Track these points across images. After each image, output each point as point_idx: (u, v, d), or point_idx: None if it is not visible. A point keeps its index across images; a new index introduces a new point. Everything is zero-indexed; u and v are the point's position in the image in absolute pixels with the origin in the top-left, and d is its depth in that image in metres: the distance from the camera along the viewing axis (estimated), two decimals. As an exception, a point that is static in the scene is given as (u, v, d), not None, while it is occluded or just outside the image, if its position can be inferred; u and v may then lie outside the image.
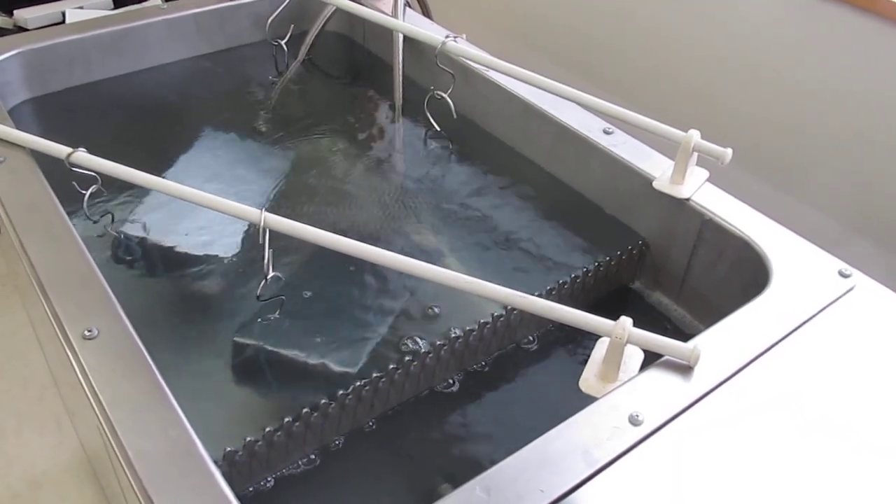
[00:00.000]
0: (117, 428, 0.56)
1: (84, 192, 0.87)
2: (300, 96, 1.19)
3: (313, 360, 0.73)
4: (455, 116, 1.06)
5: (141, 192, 0.92)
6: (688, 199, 0.83)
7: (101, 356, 0.61)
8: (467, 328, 0.76)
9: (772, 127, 1.58)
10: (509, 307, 0.78)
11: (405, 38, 1.13)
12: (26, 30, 1.60)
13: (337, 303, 0.80)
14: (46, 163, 0.84)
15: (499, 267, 0.87)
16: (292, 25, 1.25)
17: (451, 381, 0.78)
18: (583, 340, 0.82)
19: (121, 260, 0.85)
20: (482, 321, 0.77)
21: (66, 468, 1.43)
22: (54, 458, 1.45)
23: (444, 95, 1.06)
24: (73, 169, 0.83)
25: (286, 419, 0.66)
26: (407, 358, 0.73)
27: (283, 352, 0.73)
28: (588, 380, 0.64)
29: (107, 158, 0.83)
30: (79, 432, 1.38)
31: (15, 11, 1.66)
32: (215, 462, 0.55)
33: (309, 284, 0.81)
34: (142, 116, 1.11)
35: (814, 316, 0.69)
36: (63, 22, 1.63)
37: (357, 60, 1.33)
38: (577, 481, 0.54)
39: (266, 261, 0.76)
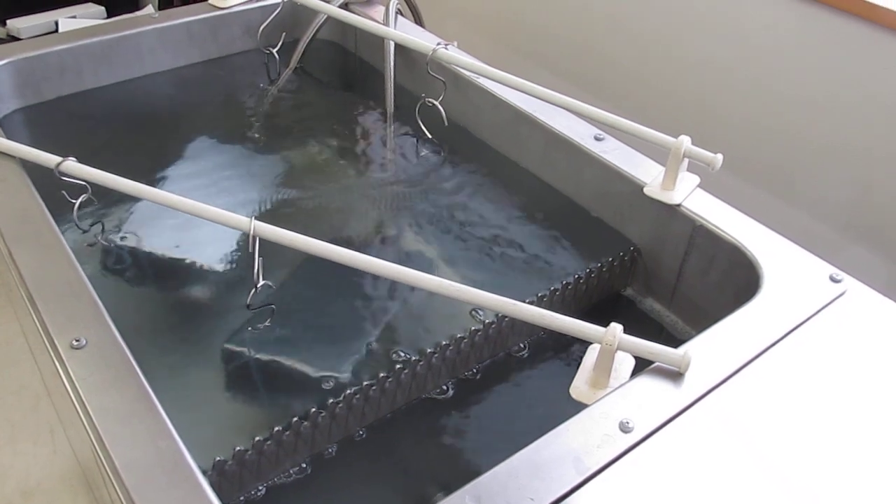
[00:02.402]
0: (105, 438, 0.55)
1: (74, 201, 0.87)
2: (292, 104, 1.19)
3: (303, 369, 0.72)
4: (446, 124, 1.06)
5: (131, 201, 0.92)
6: (679, 205, 0.83)
7: (89, 366, 0.61)
8: (458, 336, 0.76)
9: (763, 132, 1.58)
10: (500, 314, 0.77)
11: (396, 45, 1.13)
12: (19, 39, 1.60)
13: (327, 311, 0.80)
14: (37, 172, 0.84)
15: (490, 274, 0.87)
16: (284, 34, 1.25)
17: (442, 388, 0.78)
18: (574, 348, 0.82)
19: (110, 269, 0.84)
20: (473, 328, 0.77)
21: (61, 478, 1.42)
22: (48, 468, 1.44)
23: (436, 103, 1.06)
24: (63, 178, 0.83)
25: (276, 428, 0.66)
26: (398, 366, 0.72)
27: (273, 360, 0.73)
28: (578, 387, 0.64)
29: (98, 167, 0.83)
30: (71, 442, 1.37)
31: (8, 21, 1.66)
32: (204, 472, 0.54)
33: (299, 293, 0.81)
34: (133, 125, 1.11)
35: (805, 321, 0.69)
36: (56, 31, 1.63)
37: (349, 68, 1.33)
38: (568, 489, 0.54)
39: (256, 269, 0.76)
